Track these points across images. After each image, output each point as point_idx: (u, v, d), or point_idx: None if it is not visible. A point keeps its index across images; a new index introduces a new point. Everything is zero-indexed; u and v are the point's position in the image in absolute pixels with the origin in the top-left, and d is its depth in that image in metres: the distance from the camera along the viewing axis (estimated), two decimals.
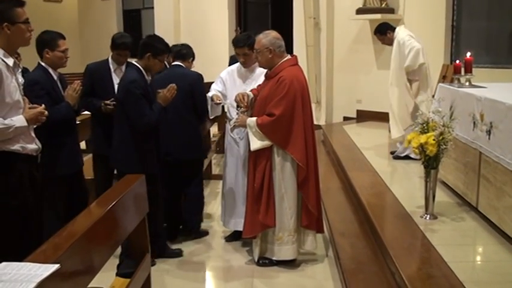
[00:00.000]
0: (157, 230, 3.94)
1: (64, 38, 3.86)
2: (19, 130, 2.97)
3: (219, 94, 4.31)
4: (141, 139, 3.84)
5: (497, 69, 7.05)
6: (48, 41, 3.78)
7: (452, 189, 4.61)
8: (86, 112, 4.78)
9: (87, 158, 4.80)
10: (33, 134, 3.18)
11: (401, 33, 5.91)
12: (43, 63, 3.81)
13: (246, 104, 3.92)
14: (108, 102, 4.26)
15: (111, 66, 4.49)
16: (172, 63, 4.63)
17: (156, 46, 3.88)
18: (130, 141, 3.84)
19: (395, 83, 5.94)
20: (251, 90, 4.06)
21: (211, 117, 4.36)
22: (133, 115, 3.77)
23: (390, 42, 6.02)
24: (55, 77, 3.85)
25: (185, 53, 4.61)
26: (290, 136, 3.74)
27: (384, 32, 6.04)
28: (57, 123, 3.72)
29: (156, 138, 3.97)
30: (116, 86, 4.17)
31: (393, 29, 6.01)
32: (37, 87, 3.68)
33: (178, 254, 4.26)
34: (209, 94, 4.35)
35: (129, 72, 3.93)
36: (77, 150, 4.04)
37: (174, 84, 3.92)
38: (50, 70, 3.82)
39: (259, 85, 4.06)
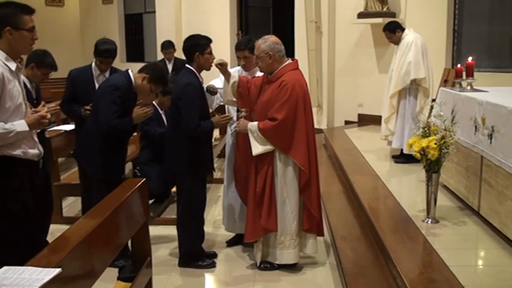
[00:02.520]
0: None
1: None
2: (20, 135, 2.94)
3: (214, 85, 4.28)
4: (197, 141, 3.88)
5: (498, 73, 7.06)
6: None
7: (454, 193, 4.61)
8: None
9: None
10: (35, 139, 3.14)
11: (410, 35, 5.91)
12: (131, 73, 3.90)
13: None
14: (88, 107, 4.20)
15: (94, 72, 4.44)
16: None
17: (199, 43, 3.91)
18: (186, 144, 3.87)
19: (393, 83, 5.95)
20: (239, 77, 4.04)
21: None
22: (186, 119, 3.78)
23: (397, 42, 6.02)
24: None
25: None
26: (292, 140, 3.73)
27: (393, 30, 6.04)
28: (117, 135, 3.86)
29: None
30: None
31: (403, 29, 6.02)
32: (117, 93, 3.76)
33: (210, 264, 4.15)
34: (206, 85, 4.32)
35: (184, 75, 3.93)
36: (125, 157, 4.18)
37: None
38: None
39: (254, 77, 4.07)
